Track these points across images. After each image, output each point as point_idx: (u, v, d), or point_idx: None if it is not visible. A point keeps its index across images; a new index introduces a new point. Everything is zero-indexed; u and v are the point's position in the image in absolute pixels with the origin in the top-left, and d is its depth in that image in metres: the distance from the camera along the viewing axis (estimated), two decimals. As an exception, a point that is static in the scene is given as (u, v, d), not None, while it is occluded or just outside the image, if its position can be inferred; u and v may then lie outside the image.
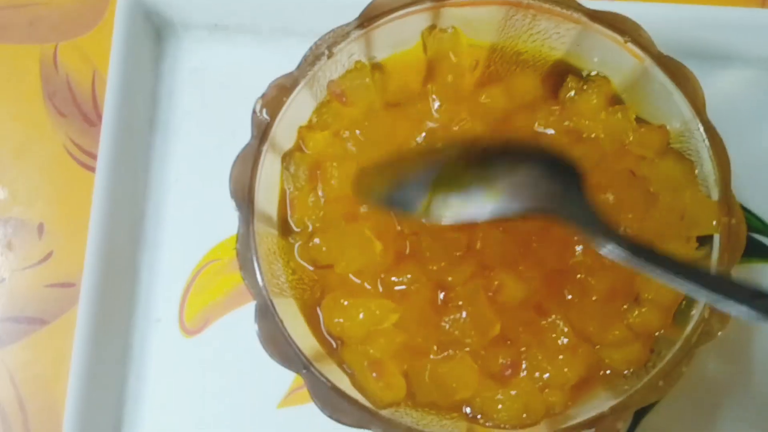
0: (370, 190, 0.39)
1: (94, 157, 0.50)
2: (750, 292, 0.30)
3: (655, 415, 0.46)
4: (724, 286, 0.31)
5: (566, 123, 0.41)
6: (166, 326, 0.49)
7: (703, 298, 0.32)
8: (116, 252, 0.48)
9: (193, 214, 0.50)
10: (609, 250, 0.33)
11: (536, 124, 0.42)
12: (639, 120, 0.42)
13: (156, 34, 0.52)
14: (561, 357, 0.39)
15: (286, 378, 0.47)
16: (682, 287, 0.32)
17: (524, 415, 0.38)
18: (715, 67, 0.49)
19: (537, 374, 0.39)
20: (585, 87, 0.42)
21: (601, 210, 0.34)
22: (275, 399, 0.47)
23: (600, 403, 0.37)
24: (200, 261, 0.49)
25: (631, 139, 0.41)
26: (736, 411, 0.46)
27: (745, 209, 0.48)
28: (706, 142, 0.39)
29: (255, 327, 0.37)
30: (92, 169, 0.50)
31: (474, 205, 0.35)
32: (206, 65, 0.52)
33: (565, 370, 0.38)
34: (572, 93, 0.42)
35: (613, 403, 0.37)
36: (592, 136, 0.41)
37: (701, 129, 0.39)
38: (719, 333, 0.37)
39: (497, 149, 0.37)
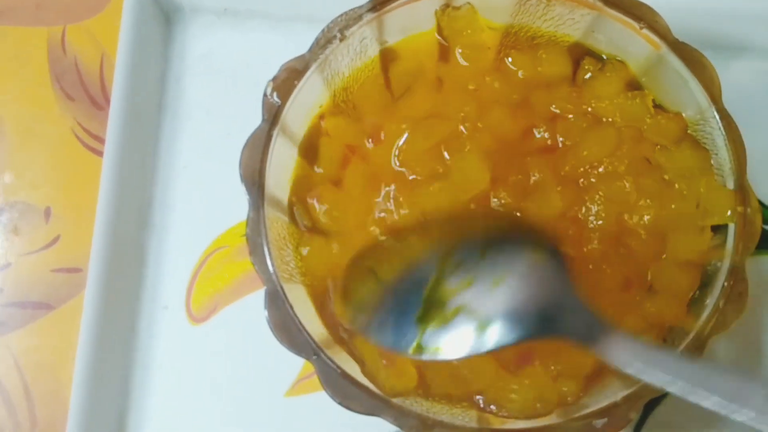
0: (355, 318, 0.37)
1: (101, 141, 0.50)
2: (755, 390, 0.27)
3: (665, 407, 0.45)
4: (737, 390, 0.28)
5: (584, 106, 0.41)
6: (173, 313, 0.48)
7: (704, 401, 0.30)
8: (123, 237, 0.48)
9: (202, 200, 0.50)
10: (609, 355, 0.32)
11: (553, 106, 0.41)
12: (657, 106, 0.41)
13: (165, 17, 0.51)
14: None
15: (294, 366, 0.47)
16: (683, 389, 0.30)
17: (538, 405, 0.38)
18: (731, 58, 0.49)
19: (551, 364, 0.38)
20: (602, 69, 0.41)
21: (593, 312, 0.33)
22: (283, 387, 0.47)
23: (612, 393, 0.37)
24: (208, 247, 0.49)
25: (648, 125, 0.40)
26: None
27: (760, 203, 0.47)
28: (722, 130, 0.39)
29: (265, 313, 0.37)
30: (100, 153, 0.50)
31: (462, 344, 0.33)
32: (215, 50, 0.51)
33: (579, 358, 0.38)
34: (589, 75, 0.41)
35: (625, 392, 0.36)
36: (610, 120, 0.41)
37: (717, 117, 0.39)
38: (733, 324, 0.37)
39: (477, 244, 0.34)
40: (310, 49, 0.39)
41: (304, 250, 0.40)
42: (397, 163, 0.41)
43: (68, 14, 0.53)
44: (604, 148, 0.40)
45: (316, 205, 0.40)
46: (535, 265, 0.33)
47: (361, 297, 0.37)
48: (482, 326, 0.33)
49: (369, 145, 0.41)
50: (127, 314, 0.48)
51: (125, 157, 0.48)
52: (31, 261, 0.50)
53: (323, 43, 0.39)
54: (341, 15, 0.40)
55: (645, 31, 0.39)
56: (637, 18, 0.39)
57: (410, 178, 0.40)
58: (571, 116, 0.41)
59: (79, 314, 0.46)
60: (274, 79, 0.39)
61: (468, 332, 0.33)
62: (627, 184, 0.39)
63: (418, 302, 0.34)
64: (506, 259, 0.34)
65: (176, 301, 0.49)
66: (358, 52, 0.41)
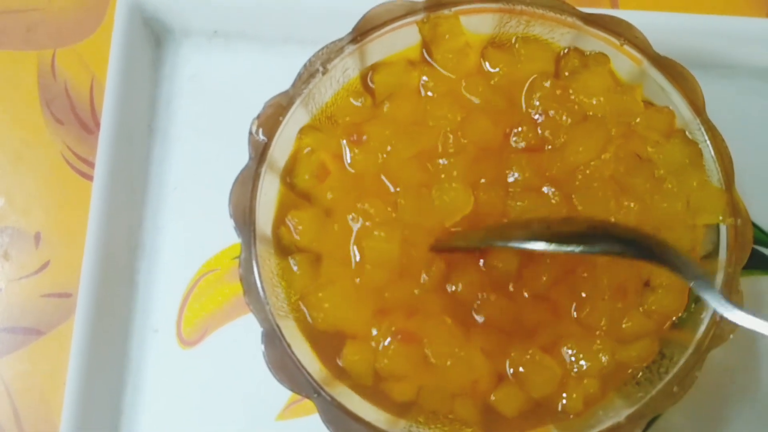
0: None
1: (91, 165, 0.50)
2: None
3: (664, 421, 0.45)
4: None
5: (569, 103, 0.40)
6: (164, 337, 0.48)
7: None
8: (113, 261, 0.48)
9: (192, 223, 0.50)
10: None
11: (537, 104, 0.41)
12: (645, 102, 0.41)
13: (155, 40, 0.52)
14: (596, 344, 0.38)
15: (285, 390, 0.46)
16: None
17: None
18: (719, 76, 0.49)
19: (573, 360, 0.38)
20: (587, 63, 0.41)
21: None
22: (273, 411, 0.47)
23: (615, 413, 0.37)
24: (198, 270, 0.49)
25: (638, 120, 0.40)
26: (745, 412, 0.45)
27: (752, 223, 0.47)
28: (708, 141, 0.39)
29: (262, 352, 0.37)
30: (89, 177, 0.50)
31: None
32: (205, 71, 0.52)
33: (601, 356, 0.38)
34: (573, 70, 0.41)
35: (628, 411, 0.36)
36: (599, 116, 0.40)
37: (702, 129, 0.39)
38: (731, 336, 0.37)
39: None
40: (294, 84, 0.40)
41: (294, 266, 0.40)
42: (380, 172, 0.40)
43: (58, 38, 0.53)
44: (593, 147, 0.39)
45: (292, 227, 0.40)
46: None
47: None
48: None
49: (349, 153, 0.41)
50: (118, 338, 0.48)
51: (115, 181, 0.48)
52: (21, 286, 0.50)
53: (306, 77, 0.40)
54: (323, 48, 0.40)
55: (626, 46, 0.40)
56: (617, 34, 0.40)
57: (394, 189, 0.40)
58: (554, 113, 0.40)
59: (70, 339, 0.45)
60: (259, 116, 0.39)
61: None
62: (616, 186, 0.39)
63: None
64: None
65: (167, 324, 0.48)
66: (341, 83, 0.41)
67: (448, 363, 0.38)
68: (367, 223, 0.39)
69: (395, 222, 0.39)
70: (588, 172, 0.39)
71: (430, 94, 0.41)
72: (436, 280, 0.39)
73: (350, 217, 0.39)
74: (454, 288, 0.39)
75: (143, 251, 0.49)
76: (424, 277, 0.39)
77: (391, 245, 0.38)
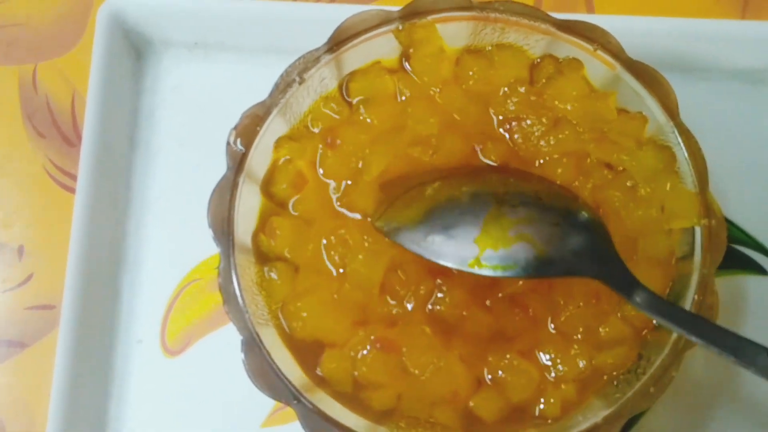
0: (398, 230, 0.39)
1: (73, 178, 0.50)
2: (757, 350, 0.33)
3: (645, 423, 0.45)
4: (735, 343, 0.34)
5: (542, 110, 0.41)
6: (148, 347, 0.48)
7: (715, 352, 0.34)
8: (97, 273, 0.48)
9: (175, 233, 0.50)
10: (640, 306, 0.36)
11: (511, 106, 0.41)
12: (619, 110, 0.41)
13: (136, 52, 0.52)
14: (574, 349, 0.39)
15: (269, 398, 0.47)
16: (697, 341, 0.35)
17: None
18: (695, 79, 0.49)
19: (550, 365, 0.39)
20: (561, 69, 0.42)
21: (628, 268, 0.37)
22: (258, 418, 0.47)
23: (593, 414, 0.37)
24: (182, 280, 0.49)
25: (610, 126, 0.41)
26: (724, 412, 0.45)
27: (727, 221, 0.47)
28: (681, 144, 0.39)
29: (242, 360, 0.37)
30: (72, 190, 0.50)
31: (520, 266, 0.36)
32: (186, 83, 0.52)
33: (578, 361, 0.38)
34: (549, 74, 0.42)
35: (606, 412, 0.37)
36: (574, 122, 0.41)
37: (675, 132, 0.39)
38: None
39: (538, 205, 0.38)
40: (271, 94, 0.40)
41: (273, 274, 0.40)
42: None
43: (39, 52, 0.54)
44: (564, 147, 0.40)
45: (271, 233, 0.40)
46: (589, 220, 0.38)
47: (413, 215, 0.39)
48: (539, 255, 0.36)
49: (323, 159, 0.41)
50: (102, 349, 0.48)
51: (97, 193, 0.48)
52: (5, 299, 0.50)
53: (283, 87, 0.40)
54: (299, 58, 0.40)
55: (599, 52, 0.40)
56: (590, 40, 0.40)
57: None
58: (529, 121, 0.41)
59: (54, 351, 0.45)
60: (236, 127, 0.40)
61: (526, 257, 0.37)
62: (587, 189, 0.40)
63: (476, 226, 0.37)
64: (563, 207, 0.38)
65: (150, 334, 0.48)
66: (318, 92, 0.42)
67: (427, 373, 0.38)
68: (342, 257, 0.39)
69: (378, 251, 0.39)
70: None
71: (405, 97, 0.42)
72: (420, 302, 0.39)
73: (325, 243, 0.40)
74: (436, 308, 0.39)
75: (126, 262, 0.50)
76: (409, 299, 0.39)
77: (372, 272, 0.39)
